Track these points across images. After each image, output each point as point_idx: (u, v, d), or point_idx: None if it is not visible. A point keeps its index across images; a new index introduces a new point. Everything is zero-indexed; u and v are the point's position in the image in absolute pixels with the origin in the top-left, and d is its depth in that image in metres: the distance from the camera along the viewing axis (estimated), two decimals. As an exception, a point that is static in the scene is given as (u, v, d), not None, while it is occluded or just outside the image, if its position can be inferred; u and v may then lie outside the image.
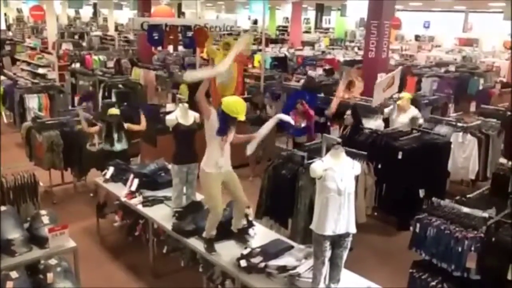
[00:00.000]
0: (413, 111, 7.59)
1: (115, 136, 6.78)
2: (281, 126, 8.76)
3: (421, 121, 7.65)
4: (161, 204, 5.58)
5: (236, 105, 4.25)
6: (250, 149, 4.64)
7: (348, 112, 7.13)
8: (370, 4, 9.82)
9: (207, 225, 4.58)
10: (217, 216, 4.51)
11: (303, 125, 7.93)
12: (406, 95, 7.76)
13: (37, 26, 25.65)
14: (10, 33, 23.97)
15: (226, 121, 4.30)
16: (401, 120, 7.43)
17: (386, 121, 7.85)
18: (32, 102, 9.93)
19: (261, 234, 4.90)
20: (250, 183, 7.89)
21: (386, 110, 7.79)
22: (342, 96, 8.00)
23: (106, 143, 6.79)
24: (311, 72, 12.84)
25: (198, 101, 4.36)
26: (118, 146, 6.82)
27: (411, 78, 12.80)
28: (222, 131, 4.34)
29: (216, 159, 4.42)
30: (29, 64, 15.30)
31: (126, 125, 6.90)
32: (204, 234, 4.62)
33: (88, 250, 5.76)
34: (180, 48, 14.10)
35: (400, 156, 6.37)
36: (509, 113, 8.42)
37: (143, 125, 7.09)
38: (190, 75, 4.64)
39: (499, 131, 7.83)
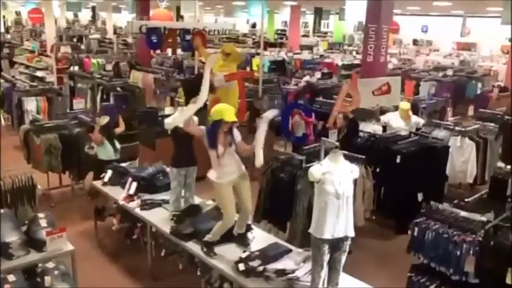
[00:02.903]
0: (414, 117, 7.68)
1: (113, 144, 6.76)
2: (281, 133, 8.80)
3: (422, 122, 7.77)
4: (159, 208, 5.57)
5: (219, 108, 4.32)
6: (258, 162, 4.39)
7: (340, 115, 7.14)
8: (368, 8, 9.85)
9: (216, 229, 4.57)
10: (229, 224, 4.53)
11: (302, 133, 7.92)
12: (406, 105, 7.76)
13: (36, 29, 25.66)
14: (9, 36, 23.97)
15: (213, 131, 4.32)
16: (408, 127, 7.45)
17: (384, 126, 7.86)
18: (30, 105, 9.91)
19: (260, 237, 4.90)
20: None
21: (382, 118, 7.77)
22: (340, 110, 7.94)
23: (114, 152, 6.73)
24: (308, 78, 12.76)
25: (186, 128, 4.49)
26: (116, 155, 6.81)
27: (409, 82, 12.83)
28: (212, 143, 4.34)
29: (223, 170, 4.42)
30: (27, 67, 15.27)
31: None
32: (207, 237, 4.60)
33: (86, 253, 5.73)
34: (179, 51, 14.12)
35: (398, 160, 6.39)
36: (507, 117, 8.45)
37: (121, 126, 7.01)
38: (171, 122, 4.59)
39: (497, 135, 7.85)
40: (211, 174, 4.47)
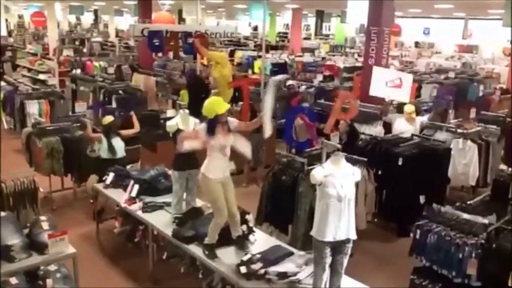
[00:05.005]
0: (419, 118, 7.70)
1: (114, 143, 6.78)
2: (284, 140, 8.83)
3: (425, 120, 7.86)
4: (161, 210, 5.57)
5: (210, 105, 4.40)
6: (266, 132, 4.31)
7: (342, 121, 7.15)
8: (370, 11, 9.86)
9: (211, 229, 4.57)
10: (222, 218, 4.52)
11: (306, 138, 7.93)
12: (411, 107, 7.78)
13: (38, 32, 25.77)
14: (11, 39, 24.04)
15: (211, 123, 4.41)
16: (411, 129, 7.47)
17: (386, 127, 7.86)
18: (33, 108, 9.94)
19: (261, 240, 4.89)
20: (245, 189, 7.94)
21: (390, 115, 7.79)
22: (338, 117, 7.94)
23: (108, 152, 6.77)
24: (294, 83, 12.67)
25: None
26: (119, 153, 6.82)
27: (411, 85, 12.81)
28: (210, 132, 4.41)
29: (218, 165, 4.48)
30: (29, 70, 15.31)
31: (121, 132, 6.94)
32: (206, 240, 4.61)
33: (88, 256, 5.74)
34: (181, 54, 14.15)
35: (400, 163, 6.38)
36: (509, 119, 8.43)
37: (136, 127, 7.12)
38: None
39: (499, 138, 7.83)
40: (204, 169, 4.52)
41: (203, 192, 4.68)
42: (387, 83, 7.81)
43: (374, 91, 7.91)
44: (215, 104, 4.41)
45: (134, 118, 7.23)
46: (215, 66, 9.39)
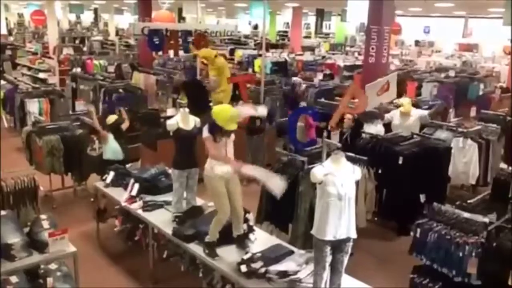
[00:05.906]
0: (417, 112, 7.67)
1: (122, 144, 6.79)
2: (282, 135, 8.82)
3: (427, 116, 7.80)
4: (161, 209, 5.57)
5: (221, 115, 4.39)
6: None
7: (349, 116, 7.13)
8: (370, 9, 9.85)
9: (213, 225, 4.58)
10: (224, 215, 4.53)
11: (308, 139, 7.92)
12: (406, 99, 7.77)
13: (38, 31, 25.73)
14: (11, 38, 24.03)
15: (214, 126, 4.44)
16: (409, 124, 7.45)
17: (387, 126, 7.86)
18: (33, 106, 9.94)
19: (262, 239, 4.89)
20: (245, 188, 7.91)
21: (387, 115, 7.80)
22: (344, 112, 7.95)
23: (122, 152, 6.77)
24: (295, 79, 12.68)
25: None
26: (125, 155, 6.84)
27: (411, 84, 12.81)
28: (211, 131, 4.48)
29: (215, 161, 4.49)
30: (29, 68, 15.33)
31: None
32: (207, 238, 4.61)
33: (88, 255, 5.74)
34: (181, 53, 14.13)
35: (400, 161, 6.38)
36: (509, 118, 8.43)
37: (125, 118, 7.11)
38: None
39: (499, 136, 7.83)
40: (207, 165, 4.55)
41: (207, 188, 4.68)
42: (377, 93, 7.84)
43: (371, 105, 7.95)
44: (224, 118, 4.38)
45: (123, 111, 7.22)
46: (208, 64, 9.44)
